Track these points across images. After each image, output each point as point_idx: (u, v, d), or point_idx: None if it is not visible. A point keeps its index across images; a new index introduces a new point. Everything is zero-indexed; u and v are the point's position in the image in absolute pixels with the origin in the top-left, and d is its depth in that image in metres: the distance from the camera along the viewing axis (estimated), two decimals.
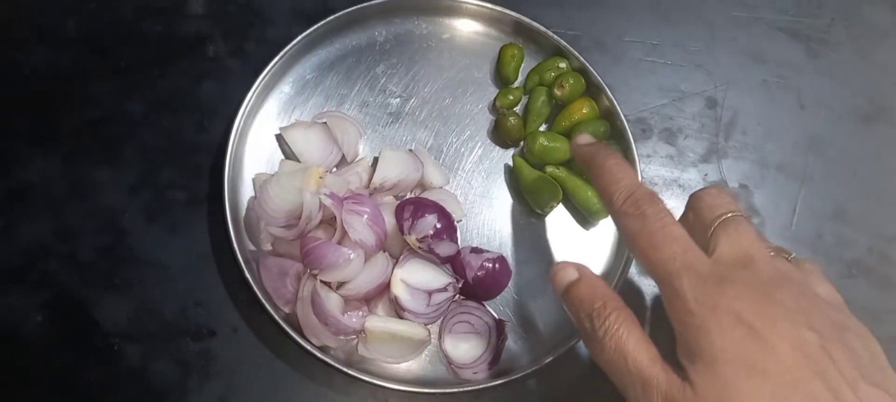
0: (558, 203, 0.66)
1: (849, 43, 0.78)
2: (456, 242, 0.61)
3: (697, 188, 0.70)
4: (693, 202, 0.50)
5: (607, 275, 0.65)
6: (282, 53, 0.66)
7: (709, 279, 0.43)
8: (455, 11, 0.71)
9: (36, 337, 0.60)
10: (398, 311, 0.60)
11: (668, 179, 0.70)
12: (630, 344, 0.44)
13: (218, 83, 0.68)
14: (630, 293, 0.65)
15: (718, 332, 0.41)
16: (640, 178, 0.65)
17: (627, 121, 0.67)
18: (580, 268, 0.49)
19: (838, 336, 0.42)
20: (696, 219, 0.49)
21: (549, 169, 0.66)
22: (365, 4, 0.69)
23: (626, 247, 0.49)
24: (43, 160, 0.64)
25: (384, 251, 0.60)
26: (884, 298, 0.68)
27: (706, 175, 0.71)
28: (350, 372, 0.57)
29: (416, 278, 0.60)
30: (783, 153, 0.73)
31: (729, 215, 0.47)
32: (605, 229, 0.67)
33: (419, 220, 0.58)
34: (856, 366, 0.41)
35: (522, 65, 0.70)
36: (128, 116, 0.66)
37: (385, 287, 0.60)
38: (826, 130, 0.74)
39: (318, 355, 0.57)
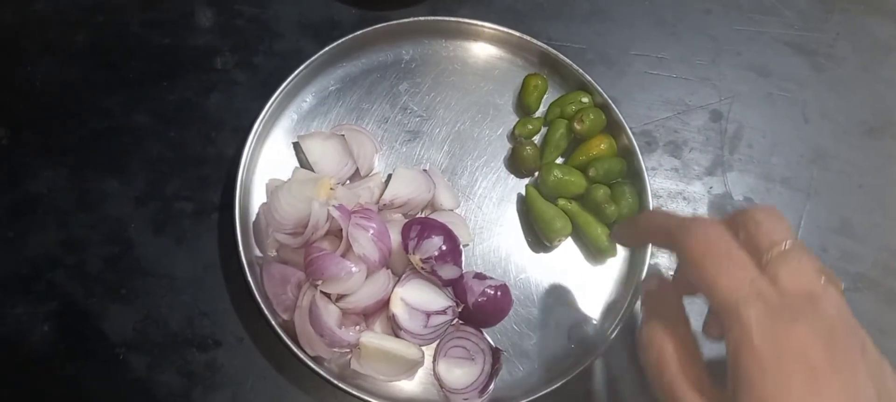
0: (567, 237, 0.65)
1: (854, 57, 0.78)
2: (460, 266, 0.61)
3: (703, 200, 0.70)
4: (746, 222, 0.45)
5: (611, 311, 0.64)
6: (306, 64, 0.66)
7: (776, 315, 0.40)
8: (483, 37, 0.72)
9: (42, 347, 0.60)
10: (395, 329, 0.60)
11: (673, 191, 0.71)
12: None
13: (225, 96, 0.69)
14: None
15: (779, 373, 0.39)
16: (648, 189, 0.66)
17: (633, 133, 0.67)
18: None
19: (890, 389, 0.41)
20: (750, 242, 0.45)
21: (562, 202, 0.65)
22: (395, 22, 0.69)
23: (686, 270, 0.45)
24: (51, 171, 0.65)
25: (387, 268, 0.61)
26: (889, 311, 0.68)
27: (711, 188, 0.71)
28: (342, 386, 0.57)
29: (416, 299, 0.60)
30: (788, 167, 0.73)
31: (788, 242, 0.44)
32: (613, 267, 0.66)
33: (425, 240, 0.58)
34: None
35: (545, 96, 0.70)
36: (135, 128, 0.67)
37: (384, 304, 0.60)
38: (831, 143, 0.74)
39: (311, 365, 0.57)
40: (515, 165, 0.68)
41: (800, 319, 0.40)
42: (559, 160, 0.69)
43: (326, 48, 0.67)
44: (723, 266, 0.42)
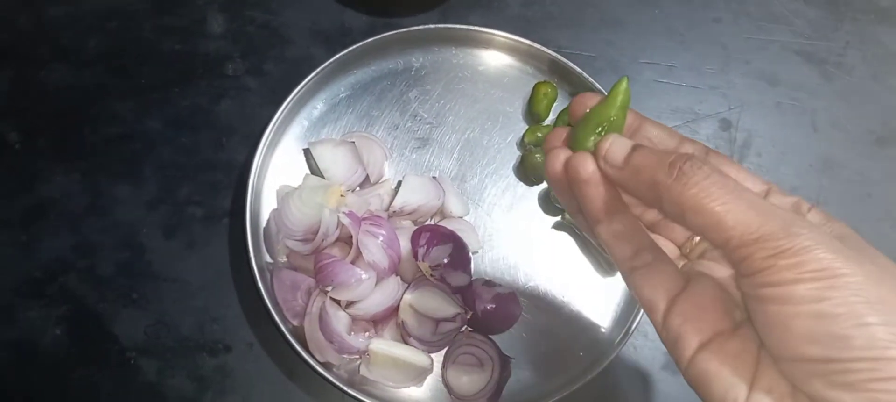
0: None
1: (863, 66, 0.78)
2: (469, 273, 0.61)
3: None
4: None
5: (620, 319, 0.64)
6: (317, 70, 0.66)
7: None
8: (493, 45, 0.72)
9: (54, 351, 0.60)
10: (404, 336, 0.60)
11: None
12: None
13: (236, 102, 0.69)
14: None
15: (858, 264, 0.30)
16: None
17: None
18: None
19: None
20: None
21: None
22: (405, 30, 0.69)
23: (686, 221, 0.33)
24: (64, 176, 0.65)
25: (396, 275, 0.61)
26: None
27: None
28: (351, 392, 0.57)
29: (425, 305, 0.60)
30: (797, 176, 0.73)
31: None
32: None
33: (434, 248, 0.59)
34: None
35: (555, 104, 0.70)
36: (147, 134, 0.68)
37: (393, 311, 0.60)
38: (840, 152, 0.74)
39: (320, 371, 0.57)
40: (525, 173, 0.68)
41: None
42: None
43: (337, 55, 0.67)
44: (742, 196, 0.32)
